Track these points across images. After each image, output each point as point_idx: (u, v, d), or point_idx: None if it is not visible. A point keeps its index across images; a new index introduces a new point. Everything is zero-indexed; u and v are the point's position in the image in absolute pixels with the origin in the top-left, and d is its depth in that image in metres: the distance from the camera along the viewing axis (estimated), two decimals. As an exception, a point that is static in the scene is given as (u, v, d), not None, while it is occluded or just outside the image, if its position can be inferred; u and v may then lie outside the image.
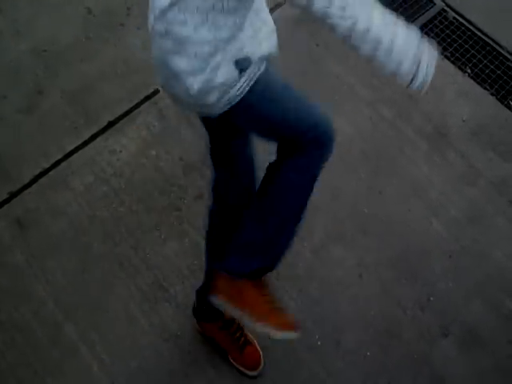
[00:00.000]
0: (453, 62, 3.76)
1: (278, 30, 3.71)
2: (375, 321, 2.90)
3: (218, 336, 2.75)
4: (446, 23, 3.96)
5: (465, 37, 3.90)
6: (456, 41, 3.88)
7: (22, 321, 2.86)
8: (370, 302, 2.94)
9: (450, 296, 2.97)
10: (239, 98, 1.97)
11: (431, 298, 2.96)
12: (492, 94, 3.66)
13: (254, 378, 2.76)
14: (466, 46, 3.85)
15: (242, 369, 2.77)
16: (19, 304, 2.90)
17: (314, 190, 2.20)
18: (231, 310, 2.23)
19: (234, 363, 2.77)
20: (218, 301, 2.23)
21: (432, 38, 3.85)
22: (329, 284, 2.98)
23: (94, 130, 3.41)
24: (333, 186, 3.24)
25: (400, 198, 3.22)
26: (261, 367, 2.76)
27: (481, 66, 3.77)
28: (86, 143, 3.36)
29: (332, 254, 3.05)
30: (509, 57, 3.82)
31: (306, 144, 2.09)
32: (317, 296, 2.95)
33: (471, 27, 3.95)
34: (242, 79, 1.94)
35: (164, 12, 1.81)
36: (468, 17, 3.99)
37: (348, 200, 3.21)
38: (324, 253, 3.06)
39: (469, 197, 3.26)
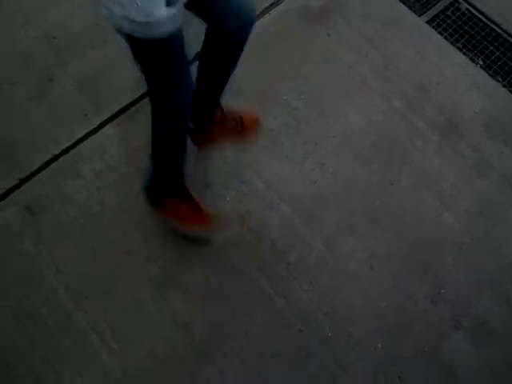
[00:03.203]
0: (465, 54, 3.74)
1: (290, 19, 3.74)
2: (386, 313, 2.89)
3: (179, 210, 2.91)
4: (459, 14, 3.94)
5: (477, 28, 3.88)
6: (468, 32, 3.85)
7: (32, 308, 2.85)
8: (381, 294, 2.94)
9: (461, 289, 2.96)
10: None
11: (442, 291, 2.95)
12: (504, 86, 3.64)
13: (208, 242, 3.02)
14: (479, 38, 3.83)
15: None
16: (29, 291, 2.89)
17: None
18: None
19: (194, 228, 2.96)
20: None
21: (444, 28, 3.82)
22: (340, 276, 2.97)
23: (104, 117, 3.39)
24: (344, 178, 3.23)
25: (411, 190, 3.21)
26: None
27: (493, 57, 3.75)
28: (95, 130, 3.35)
29: (343, 246, 3.04)
30: (522, 49, 3.80)
31: None
32: (328, 287, 2.94)
33: (484, 18, 3.92)
34: None
35: None
36: (481, 8, 3.96)
37: (359, 191, 3.20)
38: (335, 244, 3.04)
39: (480, 189, 3.24)
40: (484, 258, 3.05)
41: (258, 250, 3.01)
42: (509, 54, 3.76)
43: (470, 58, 3.72)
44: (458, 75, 3.65)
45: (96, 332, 2.81)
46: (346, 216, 3.13)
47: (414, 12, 3.90)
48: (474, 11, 3.96)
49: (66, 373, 2.74)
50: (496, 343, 2.85)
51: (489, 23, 3.90)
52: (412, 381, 2.74)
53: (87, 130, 3.34)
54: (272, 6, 3.82)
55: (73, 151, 3.27)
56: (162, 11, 1.91)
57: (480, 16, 3.93)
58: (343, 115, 3.45)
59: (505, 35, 3.85)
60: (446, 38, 3.81)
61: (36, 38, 3.67)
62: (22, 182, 3.17)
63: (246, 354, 2.79)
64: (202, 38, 2.51)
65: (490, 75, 3.67)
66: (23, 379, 2.72)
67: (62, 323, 2.83)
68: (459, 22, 3.90)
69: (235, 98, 2.65)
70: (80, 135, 3.32)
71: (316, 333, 2.83)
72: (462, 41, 3.81)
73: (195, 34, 2.46)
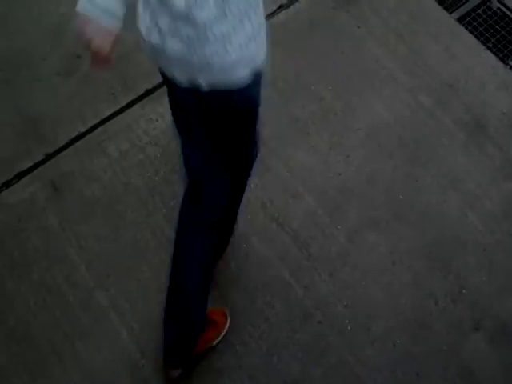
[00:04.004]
0: (495, 54, 3.71)
1: (319, 9, 3.72)
2: (406, 310, 2.89)
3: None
4: (490, 13, 3.90)
5: (508, 28, 3.84)
6: (499, 31, 3.82)
7: (53, 283, 2.87)
8: (402, 290, 2.93)
9: (483, 290, 2.95)
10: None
11: (463, 291, 2.94)
12: (534, 89, 3.62)
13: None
14: (510, 38, 3.80)
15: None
16: (51, 266, 2.91)
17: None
18: None
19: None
20: None
21: (474, 27, 3.80)
22: (361, 269, 2.97)
23: (132, 97, 3.40)
24: (369, 171, 3.22)
25: (436, 188, 3.20)
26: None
27: (524, 59, 3.73)
28: (122, 110, 3.36)
29: (366, 240, 3.04)
30: (553, 51, 3.77)
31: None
32: (348, 280, 2.94)
33: (515, 19, 3.89)
34: None
35: None
36: (513, 7, 3.93)
37: (384, 186, 3.19)
38: (358, 238, 3.04)
39: (506, 191, 3.22)
40: (507, 260, 3.03)
41: (279, 238, 3.01)
42: (540, 56, 3.74)
43: (500, 58, 3.69)
44: (487, 75, 3.62)
45: (117, 311, 2.82)
46: (370, 210, 3.12)
47: (445, 9, 3.87)
48: (505, 10, 3.92)
49: (84, 350, 2.76)
50: (515, 346, 2.85)
51: (521, 24, 3.87)
52: (430, 378, 2.74)
53: (114, 110, 3.35)
54: (304, -6, 3.80)
55: (99, 129, 3.28)
56: None
57: (512, 16, 3.90)
58: (370, 108, 3.44)
59: (536, 37, 3.82)
60: (476, 36, 3.78)
61: (65, 14, 3.65)
62: (48, 157, 3.18)
63: (265, 342, 2.79)
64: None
65: (520, 76, 3.65)
66: (42, 353, 2.75)
67: (82, 300, 2.85)
68: (490, 21, 3.87)
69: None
70: (107, 114, 3.33)
71: (335, 325, 2.83)
72: (493, 40, 3.78)
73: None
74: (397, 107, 3.46)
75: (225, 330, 2.78)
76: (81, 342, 2.76)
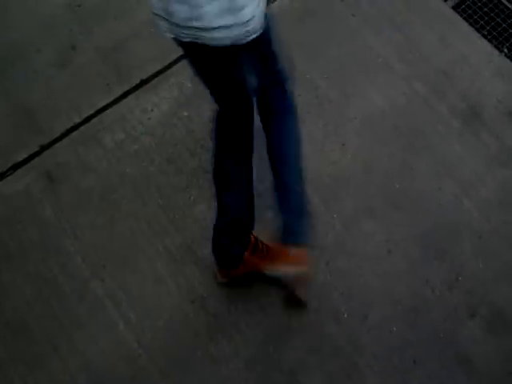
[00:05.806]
0: (489, 41, 3.69)
1: (314, -3, 3.72)
2: (402, 297, 2.89)
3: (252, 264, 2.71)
4: (485, 0, 3.89)
5: (503, 15, 3.83)
6: (494, 19, 3.81)
7: (49, 274, 2.88)
8: (398, 278, 2.93)
9: (479, 277, 2.94)
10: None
11: (459, 278, 2.94)
12: (528, 76, 3.61)
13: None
14: (504, 25, 3.78)
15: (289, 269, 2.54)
16: (47, 257, 2.92)
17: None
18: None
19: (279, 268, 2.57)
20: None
21: (469, 15, 3.79)
22: (357, 258, 2.96)
23: (126, 87, 3.40)
24: (364, 159, 3.22)
25: (431, 176, 3.19)
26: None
27: (519, 46, 3.72)
28: (117, 100, 3.36)
29: (361, 228, 3.03)
30: (548, 39, 3.76)
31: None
32: (345, 269, 2.94)
33: (510, 6, 3.87)
34: None
35: None
36: (507, -5, 3.92)
37: (379, 174, 3.18)
38: (353, 226, 3.04)
39: (501, 178, 3.21)
40: (502, 247, 3.02)
41: (275, 227, 2.99)
42: (535, 44, 3.73)
43: (495, 46, 3.68)
44: (482, 62, 3.61)
45: (113, 302, 2.83)
46: (365, 198, 3.12)
47: (440, -4, 3.86)
48: (500, -2, 3.91)
49: (80, 340, 2.77)
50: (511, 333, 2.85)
51: (515, 11, 3.86)
52: (427, 365, 2.74)
53: (109, 100, 3.35)
54: (298, -18, 3.79)
55: (94, 120, 3.28)
56: None
57: (506, 3, 3.88)
58: (365, 96, 3.43)
59: (531, 24, 3.81)
60: (471, 24, 3.76)
61: (60, 5, 3.67)
62: (43, 149, 3.19)
63: (261, 329, 2.80)
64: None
65: (515, 64, 3.64)
66: (39, 344, 2.76)
67: (78, 291, 2.85)
68: (485, 9, 3.85)
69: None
70: (102, 104, 3.33)
71: (332, 313, 2.84)
72: (488, 28, 3.77)
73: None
74: (392, 95, 3.45)
75: (288, 269, 2.53)
76: (77, 333, 2.77)
